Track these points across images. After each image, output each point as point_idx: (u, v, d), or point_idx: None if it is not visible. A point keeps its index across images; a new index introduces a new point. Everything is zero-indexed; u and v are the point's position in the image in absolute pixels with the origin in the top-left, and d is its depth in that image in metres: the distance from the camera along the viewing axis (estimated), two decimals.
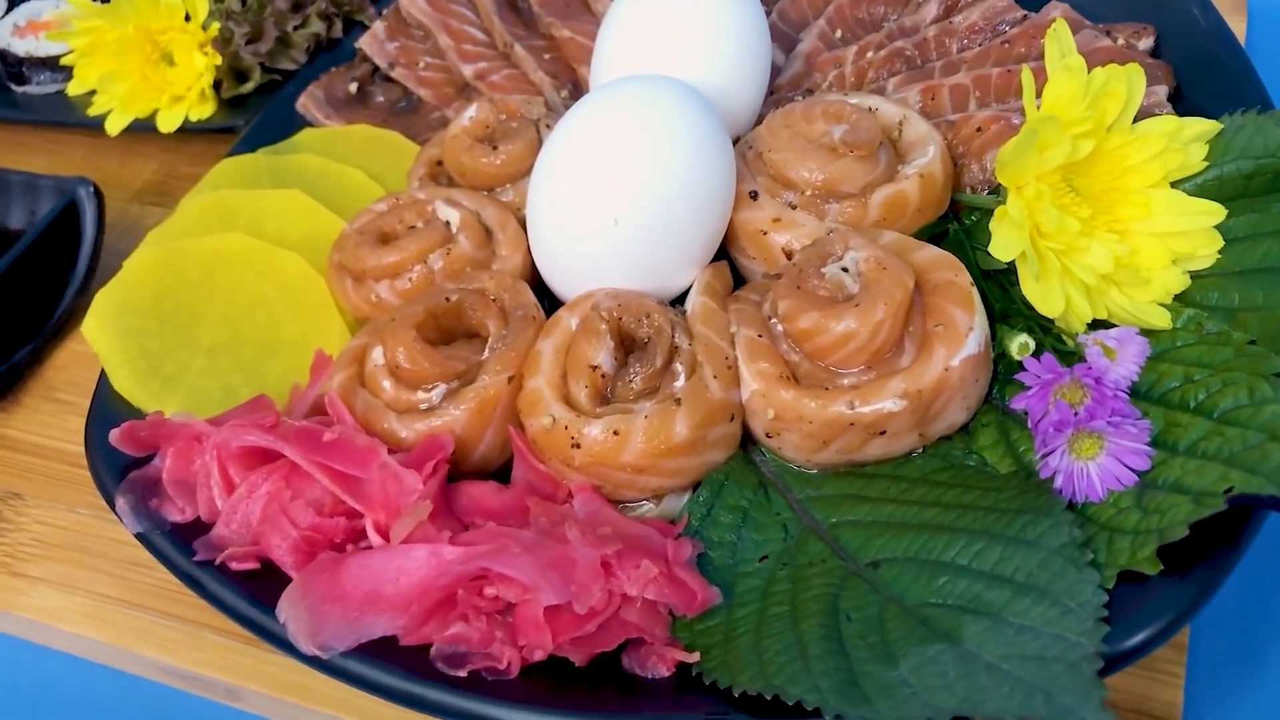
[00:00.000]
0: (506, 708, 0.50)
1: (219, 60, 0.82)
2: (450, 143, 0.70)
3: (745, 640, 0.51)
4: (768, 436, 0.58)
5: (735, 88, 0.69)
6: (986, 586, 0.50)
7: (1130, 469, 0.53)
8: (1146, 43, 0.73)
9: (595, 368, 0.57)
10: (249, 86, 0.84)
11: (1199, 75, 0.71)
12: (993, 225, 0.58)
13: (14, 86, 0.93)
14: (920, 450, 0.58)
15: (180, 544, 0.56)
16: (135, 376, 0.64)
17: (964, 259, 0.63)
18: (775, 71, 0.77)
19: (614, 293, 0.60)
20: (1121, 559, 0.50)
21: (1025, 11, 0.77)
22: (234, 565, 0.55)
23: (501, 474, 0.60)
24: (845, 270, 0.58)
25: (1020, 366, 0.56)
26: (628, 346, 0.59)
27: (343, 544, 0.56)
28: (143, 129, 0.86)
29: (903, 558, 0.53)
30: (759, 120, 0.72)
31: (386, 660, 0.51)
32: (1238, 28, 0.80)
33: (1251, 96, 0.68)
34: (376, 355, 0.60)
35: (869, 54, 0.76)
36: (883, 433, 0.56)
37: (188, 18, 0.83)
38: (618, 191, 0.60)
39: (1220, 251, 0.60)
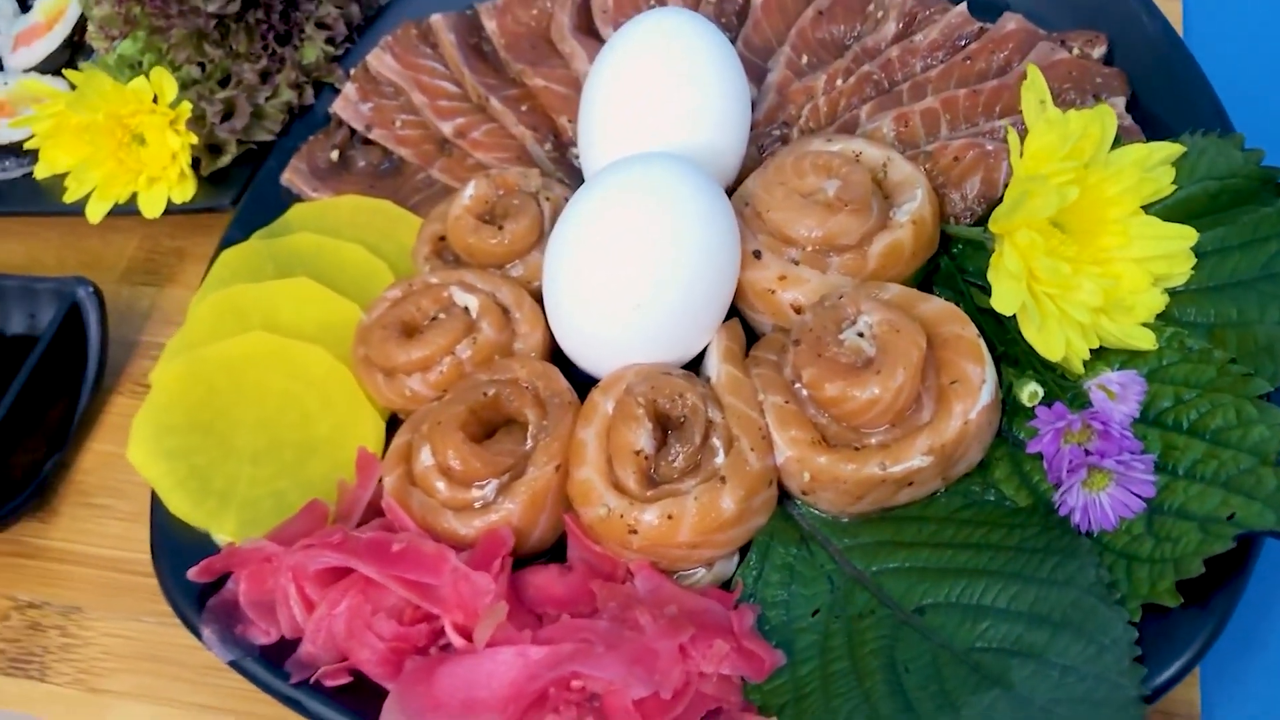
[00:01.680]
0: None
1: (194, 139, 0.82)
2: (454, 225, 0.72)
3: (814, 700, 0.56)
4: (803, 494, 0.62)
5: (724, 141, 0.71)
6: (1027, 628, 0.55)
7: (1139, 496, 0.58)
8: (1100, 50, 0.77)
9: (639, 452, 0.61)
10: (225, 160, 0.85)
11: (1151, 78, 0.75)
12: (990, 276, 0.62)
13: None
14: (943, 489, 0.63)
15: (271, 665, 0.60)
16: (190, 498, 0.66)
17: (958, 292, 0.68)
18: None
19: (644, 374, 0.63)
20: (1143, 590, 0.56)
21: (981, 24, 0.80)
22: (328, 682, 0.59)
23: (555, 548, 0.65)
24: (860, 335, 0.62)
25: (1031, 411, 0.61)
26: (663, 424, 0.63)
27: (426, 647, 0.59)
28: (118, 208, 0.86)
29: (945, 603, 0.58)
30: (744, 165, 0.75)
31: None
32: (1173, 14, 0.84)
33: (1201, 101, 0.73)
34: (425, 456, 0.63)
35: (838, 81, 0.79)
36: (911, 483, 0.61)
37: (155, 99, 0.83)
38: (637, 279, 0.63)
39: (1193, 269, 0.65)
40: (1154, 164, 0.65)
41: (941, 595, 0.58)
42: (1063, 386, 0.62)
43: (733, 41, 0.84)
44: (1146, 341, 0.63)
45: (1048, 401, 0.60)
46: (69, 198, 0.85)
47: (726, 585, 0.62)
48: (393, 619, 0.59)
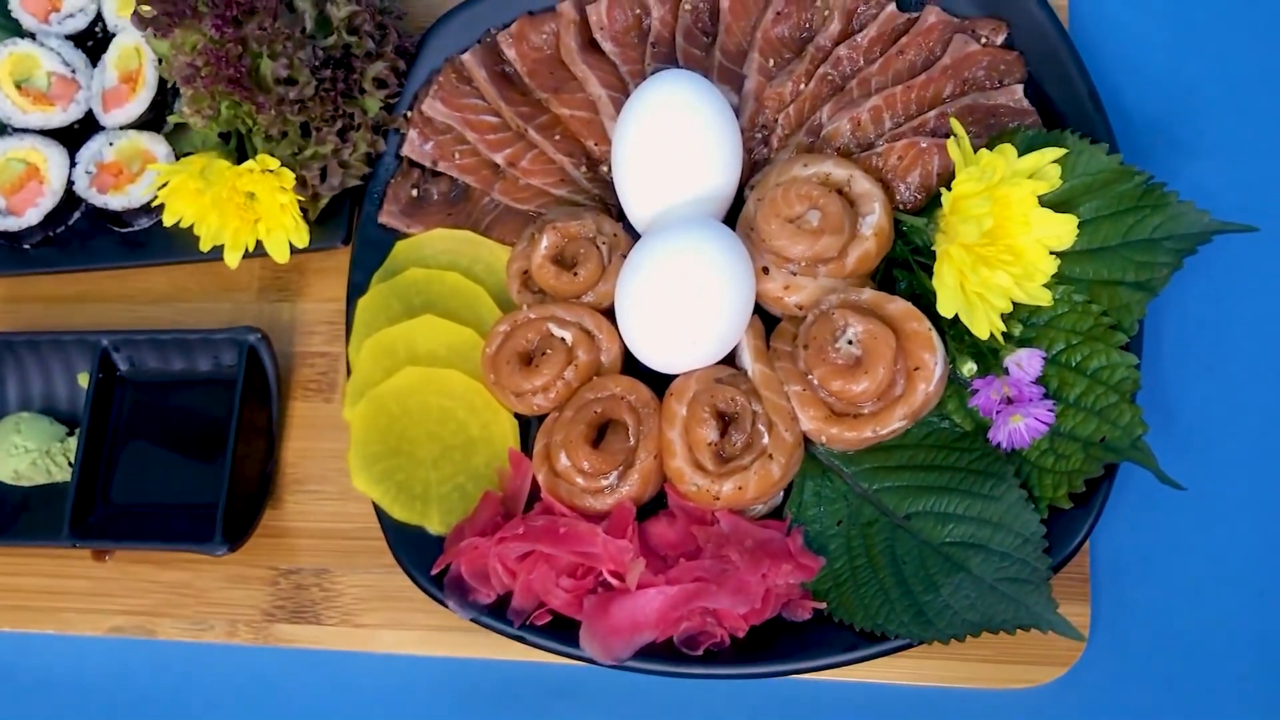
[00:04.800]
0: (732, 665, 0.88)
1: (302, 198, 1.03)
2: (539, 272, 0.96)
3: (848, 587, 0.89)
4: (821, 444, 0.92)
5: (726, 178, 0.95)
6: (978, 528, 0.87)
7: (1043, 423, 0.88)
8: (1001, 37, 0.98)
9: (711, 443, 0.90)
10: (323, 203, 1.06)
11: (1041, 61, 0.97)
12: (935, 284, 0.88)
13: (116, 229, 1.12)
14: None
15: (497, 617, 0.91)
16: (404, 508, 0.95)
17: (910, 270, 0.94)
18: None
19: (704, 383, 0.91)
20: (1048, 494, 0.87)
21: (907, 15, 1.00)
22: (538, 622, 0.91)
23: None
24: (850, 342, 0.89)
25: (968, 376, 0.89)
26: (722, 417, 0.91)
27: (594, 589, 0.91)
28: None
29: (924, 511, 0.89)
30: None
31: (653, 654, 0.89)
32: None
33: (1079, 82, 0.95)
34: (563, 459, 0.92)
35: (802, 86, 1.00)
36: (893, 435, 0.90)
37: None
38: (692, 321, 0.89)
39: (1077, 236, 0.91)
40: (1044, 164, 0.90)
41: (920, 506, 0.89)
42: (991, 350, 0.90)
43: (711, 45, 1.04)
44: (1046, 299, 0.90)
45: (981, 373, 0.89)
46: (204, 247, 1.07)
47: (778, 511, 0.93)
48: (569, 575, 0.91)
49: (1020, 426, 0.88)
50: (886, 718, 0.94)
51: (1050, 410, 0.87)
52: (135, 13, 0.99)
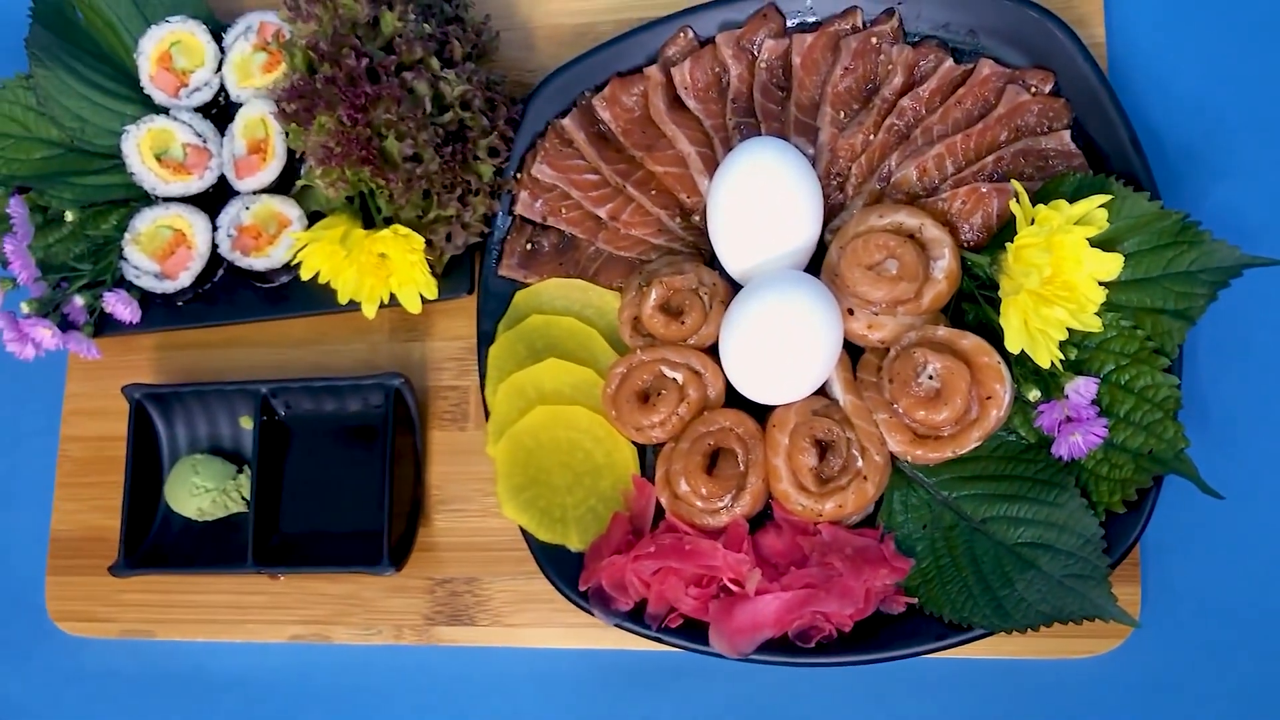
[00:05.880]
0: (840, 654, 1.04)
1: (432, 257, 1.16)
2: (649, 320, 1.10)
3: (934, 583, 1.04)
4: (906, 461, 1.07)
5: (810, 231, 1.08)
6: (1045, 530, 1.02)
7: (1098, 437, 1.02)
8: (1049, 86, 1.10)
9: (812, 468, 1.04)
10: (446, 258, 1.19)
11: (1085, 108, 1.09)
12: (1002, 323, 1.02)
13: (258, 284, 1.26)
14: None
15: (637, 621, 1.08)
16: (547, 530, 1.10)
17: (977, 304, 1.07)
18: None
19: (803, 415, 1.05)
20: (1104, 499, 1.01)
21: (963, 67, 1.12)
22: (671, 625, 1.07)
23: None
24: (930, 377, 1.03)
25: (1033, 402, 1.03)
26: (820, 444, 1.06)
27: (716, 594, 1.07)
28: None
29: (998, 516, 1.04)
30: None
31: (771, 648, 1.05)
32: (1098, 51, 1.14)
33: (1119, 126, 1.07)
34: (683, 485, 1.07)
35: (870, 136, 1.12)
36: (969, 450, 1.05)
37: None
38: (790, 367, 1.03)
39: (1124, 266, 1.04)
40: (1092, 208, 1.02)
41: (994, 511, 1.04)
42: (1053, 375, 1.04)
43: (786, 99, 1.15)
44: (1097, 326, 1.03)
45: (1045, 398, 1.03)
46: (342, 299, 1.21)
47: (870, 519, 1.08)
48: (695, 585, 1.06)
49: (1078, 440, 1.02)
50: (969, 687, 1.10)
51: (1104, 427, 1.01)
52: (279, 108, 1.12)
